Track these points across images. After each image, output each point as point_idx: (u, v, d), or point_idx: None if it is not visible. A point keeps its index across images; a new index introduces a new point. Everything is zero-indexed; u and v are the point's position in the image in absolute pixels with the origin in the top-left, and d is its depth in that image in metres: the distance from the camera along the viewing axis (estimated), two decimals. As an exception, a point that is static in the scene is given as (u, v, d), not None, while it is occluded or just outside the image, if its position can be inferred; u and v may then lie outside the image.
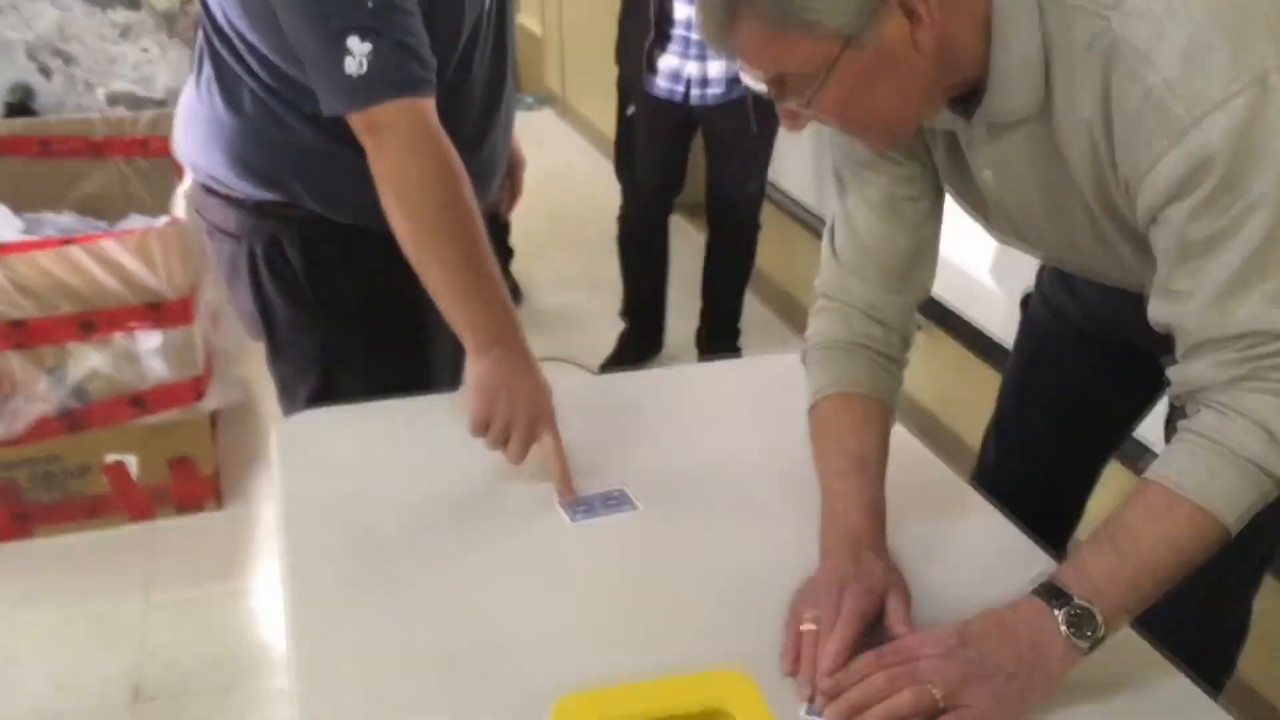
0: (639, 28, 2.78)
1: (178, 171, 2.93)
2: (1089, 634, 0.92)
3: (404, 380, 1.53)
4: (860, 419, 1.16)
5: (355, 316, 1.54)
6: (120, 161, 3.22)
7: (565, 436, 1.29)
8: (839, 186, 1.20)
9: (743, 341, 3.21)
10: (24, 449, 2.41)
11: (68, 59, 3.71)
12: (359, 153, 1.31)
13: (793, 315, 3.47)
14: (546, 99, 6.29)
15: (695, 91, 2.77)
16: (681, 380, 1.68)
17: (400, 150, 1.29)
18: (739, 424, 1.41)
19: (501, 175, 1.69)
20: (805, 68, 0.93)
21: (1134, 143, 0.92)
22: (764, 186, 3.01)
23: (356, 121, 1.29)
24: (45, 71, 3.57)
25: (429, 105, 1.30)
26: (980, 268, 2.46)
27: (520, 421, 1.28)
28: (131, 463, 2.50)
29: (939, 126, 1.08)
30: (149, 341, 2.37)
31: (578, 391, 1.48)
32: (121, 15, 4.12)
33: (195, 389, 2.47)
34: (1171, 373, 1.00)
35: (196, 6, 4.78)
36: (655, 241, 3.15)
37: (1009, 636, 0.93)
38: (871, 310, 1.19)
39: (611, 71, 3.01)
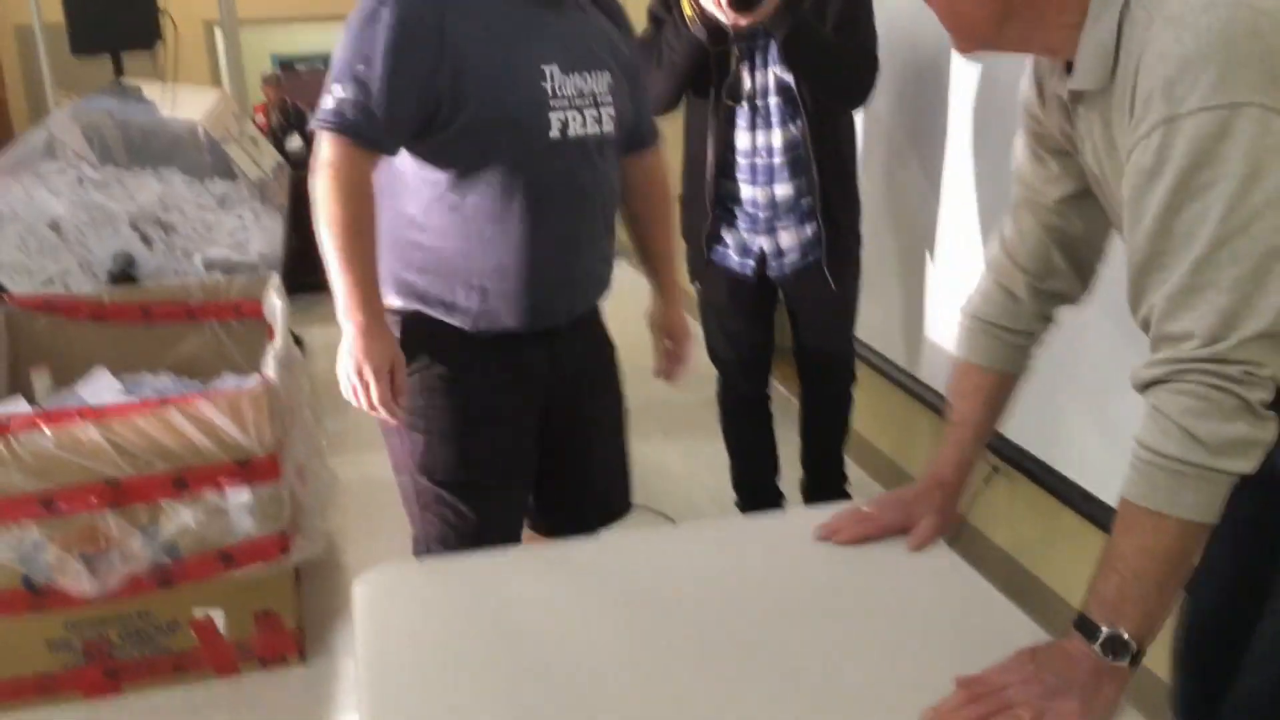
0: (698, 208, 2.77)
1: (269, 332, 3.06)
2: (1125, 654, 1.09)
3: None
4: (972, 387, 1.50)
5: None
6: (215, 324, 3.37)
7: (651, 591, 1.29)
8: (1015, 194, 1.45)
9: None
10: (115, 606, 2.47)
11: (168, 228, 3.93)
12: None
13: (892, 480, 3.35)
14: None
15: (773, 264, 2.75)
16: (771, 527, 1.67)
17: (323, 172, 1.74)
18: (829, 567, 1.41)
19: (561, 305, 1.95)
20: None
21: (1134, 125, 1.07)
22: (852, 343, 2.97)
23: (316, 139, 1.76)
24: (147, 241, 3.79)
25: (359, 153, 1.74)
26: (1063, 411, 2.44)
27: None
28: (219, 618, 2.54)
29: (1059, 91, 1.24)
30: (238, 498, 2.44)
31: (661, 541, 1.49)
32: (219, 186, 4.36)
33: (281, 544, 2.52)
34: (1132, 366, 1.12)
35: (286, 174, 5.04)
36: (758, 417, 3.06)
37: (1073, 660, 1.11)
38: (1014, 287, 1.45)
39: (678, 224, 3.05)
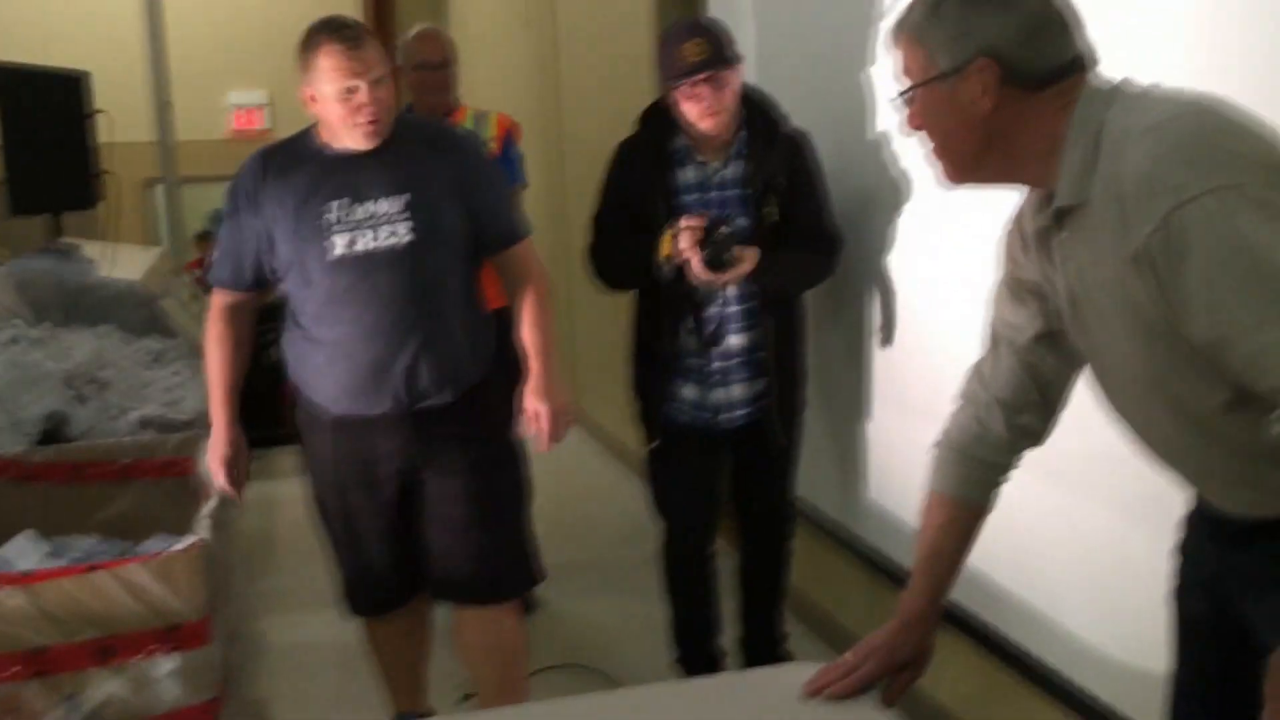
0: (651, 366, 2.81)
1: (202, 491, 3.02)
2: None
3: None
4: (947, 519, 1.55)
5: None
6: (146, 483, 3.32)
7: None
8: (993, 333, 1.54)
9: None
10: (32, 782, 2.36)
11: (102, 385, 3.89)
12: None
13: (835, 638, 3.28)
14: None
15: (724, 416, 2.79)
16: (716, 693, 1.66)
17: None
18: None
19: (388, 390, 2.37)
20: (912, 74, 1.33)
21: (1138, 223, 1.17)
22: (794, 496, 3.00)
23: None
24: (81, 399, 3.74)
25: (221, 294, 2.48)
26: (996, 569, 2.47)
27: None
28: (141, 793, 2.43)
29: (1038, 224, 1.36)
30: (166, 665, 2.36)
31: (602, 703, 1.48)
32: (156, 342, 4.35)
33: (209, 712, 2.44)
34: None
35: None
36: (703, 574, 3.02)
37: None
38: (988, 419, 1.52)
39: (619, 378, 3.09)
